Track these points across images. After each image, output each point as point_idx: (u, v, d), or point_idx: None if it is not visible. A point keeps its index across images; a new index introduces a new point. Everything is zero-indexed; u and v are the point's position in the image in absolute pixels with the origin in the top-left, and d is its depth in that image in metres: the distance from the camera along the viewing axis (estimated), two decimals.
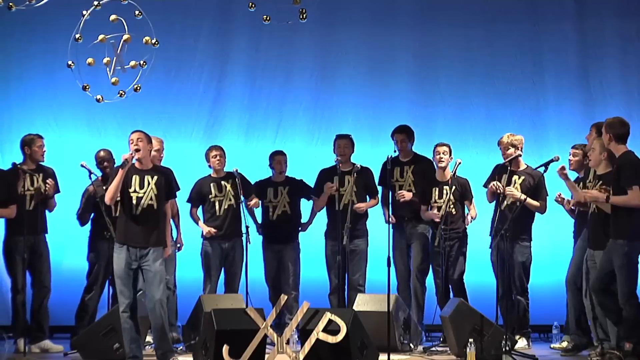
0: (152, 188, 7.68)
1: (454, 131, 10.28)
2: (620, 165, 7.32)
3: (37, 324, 8.65)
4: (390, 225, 8.86)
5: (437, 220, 8.76)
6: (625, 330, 7.31)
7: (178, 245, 9.05)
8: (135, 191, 7.64)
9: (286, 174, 9.39)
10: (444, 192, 8.90)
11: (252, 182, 9.37)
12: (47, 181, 8.69)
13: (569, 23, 10.51)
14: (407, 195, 9.00)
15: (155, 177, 7.71)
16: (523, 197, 8.40)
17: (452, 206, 8.80)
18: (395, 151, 9.02)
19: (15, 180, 8.48)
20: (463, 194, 8.93)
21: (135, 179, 7.68)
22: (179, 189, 8.32)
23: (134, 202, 7.60)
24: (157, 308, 7.49)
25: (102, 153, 8.94)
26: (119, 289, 7.54)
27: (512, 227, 8.06)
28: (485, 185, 8.83)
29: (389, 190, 9.07)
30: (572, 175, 8.32)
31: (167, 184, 7.81)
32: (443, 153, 8.93)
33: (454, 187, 8.82)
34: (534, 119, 10.47)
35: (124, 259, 7.53)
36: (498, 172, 8.74)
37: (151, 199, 7.66)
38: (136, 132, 7.79)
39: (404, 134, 9.19)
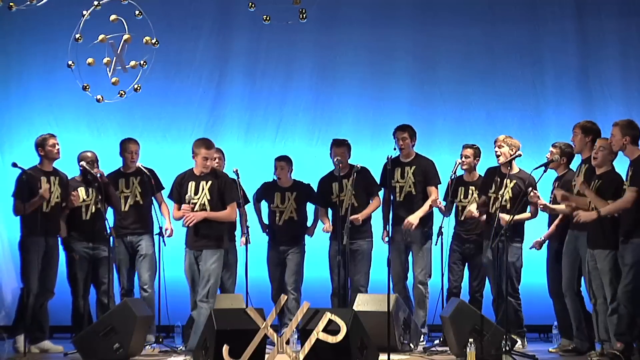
0: (205, 194, 7.90)
1: (454, 132, 10.28)
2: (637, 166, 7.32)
3: (38, 324, 8.63)
4: (390, 225, 8.91)
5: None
6: (622, 329, 7.31)
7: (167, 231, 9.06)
8: (191, 197, 7.98)
9: (292, 178, 9.38)
10: (469, 192, 8.94)
11: (258, 183, 9.45)
12: (72, 194, 8.73)
13: (569, 23, 10.51)
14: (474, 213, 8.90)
15: (210, 182, 7.95)
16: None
17: (474, 216, 8.85)
18: (395, 149, 9.03)
19: (35, 181, 8.48)
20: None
21: (191, 185, 7.95)
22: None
23: (191, 208, 8.01)
24: (198, 306, 7.95)
25: (89, 154, 8.92)
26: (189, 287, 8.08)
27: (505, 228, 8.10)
28: (481, 191, 8.85)
29: (390, 192, 9.08)
30: (550, 175, 8.37)
31: (223, 188, 8.10)
32: (465, 157, 8.96)
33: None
34: (534, 120, 10.47)
35: (188, 261, 8.15)
36: (490, 175, 8.83)
37: (204, 204, 7.96)
38: (209, 149, 8.19)
39: (405, 132, 9.16)
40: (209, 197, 7.97)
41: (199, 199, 7.99)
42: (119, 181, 9.07)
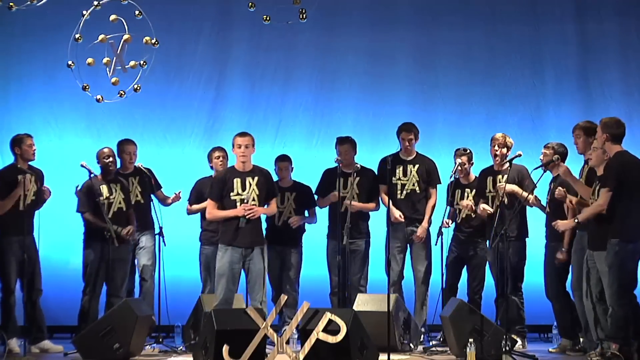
0: (253, 189, 7.97)
1: (454, 133, 10.28)
2: (609, 165, 7.35)
3: (36, 325, 8.61)
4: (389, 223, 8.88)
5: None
6: (613, 331, 7.32)
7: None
8: (238, 194, 7.96)
9: (293, 179, 9.36)
10: (466, 194, 8.96)
11: None
12: (44, 188, 8.71)
13: (569, 24, 10.51)
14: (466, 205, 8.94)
15: (256, 178, 7.98)
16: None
17: (472, 208, 8.85)
18: (401, 149, 9.08)
19: (13, 178, 8.46)
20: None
21: (237, 182, 7.96)
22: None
23: (238, 205, 7.96)
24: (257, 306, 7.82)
25: (106, 150, 8.92)
26: (220, 286, 7.99)
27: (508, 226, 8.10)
28: (478, 195, 8.90)
29: (388, 188, 9.06)
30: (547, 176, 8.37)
31: (268, 184, 8.10)
32: (460, 165, 8.93)
33: (474, 190, 8.88)
34: (534, 120, 10.47)
35: (228, 258, 7.94)
36: (484, 176, 8.88)
37: (253, 199, 7.99)
38: (244, 137, 8.09)
39: (412, 132, 9.14)
40: (257, 193, 8.00)
41: (247, 194, 7.99)
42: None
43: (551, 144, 8.46)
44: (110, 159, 8.85)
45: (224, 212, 8.06)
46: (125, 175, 9.14)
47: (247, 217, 7.95)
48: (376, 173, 9.19)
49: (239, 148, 8.06)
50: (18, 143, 8.64)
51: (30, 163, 8.70)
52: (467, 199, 8.95)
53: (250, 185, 8.01)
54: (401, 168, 9.13)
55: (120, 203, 8.83)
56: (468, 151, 9.05)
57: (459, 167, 8.96)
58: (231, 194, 8.00)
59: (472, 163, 9.06)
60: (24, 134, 8.71)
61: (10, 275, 8.44)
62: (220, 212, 8.07)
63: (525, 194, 8.41)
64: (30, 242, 8.60)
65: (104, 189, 8.81)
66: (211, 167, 9.25)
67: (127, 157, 9.15)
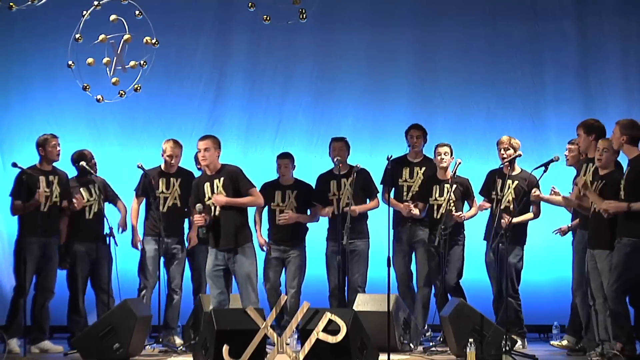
0: (220, 192, 7.90)
1: (454, 131, 10.26)
2: (636, 167, 7.33)
3: (38, 325, 8.62)
4: (391, 225, 8.86)
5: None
6: (614, 331, 7.33)
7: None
8: (209, 198, 7.93)
9: (294, 177, 9.27)
10: (445, 190, 8.90)
11: (257, 183, 9.35)
12: (76, 198, 8.69)
13: (569, 23, 10.51)
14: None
15: (222, 179, 7.91)
16: (515, 220, 8.38)
17: (452, 204, 8.82)
18: (409, 146, 9.13)
19: (34, 181, 8.45)
20: (464, 193, 8.95)
21: (207, 187, 7.95)
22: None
23: (212, 209, 7.91)
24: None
25: (86, 152, 8.91)
26: (210, 290, 7.98)
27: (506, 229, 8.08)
28: (481, 193, 8.91)
29: (390, 190, 9.03)
30: (568, 173, 8.35)
31: (234, 181, 7.94)
32: (444, 154, 8.93)
33: (454, 186, 8.84)
34: (534, 119, 10.46)
35: (212, 261, 7.92)
36: (492, 177, 8.84)
37: (213, 203, 7.91)
38: (202, 140, 7.97)
39: (420, 130, 9.18)
40: (224, 194, 7.89)
41: (198, 206, 7.89)
42: (160, 181, 8.92)
43: (575, 140, 8.38)
44: (94, 160, 8.87)
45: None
46: (168, 175, 8.95)
47: (200, 226, 7.91)
48: (369, 172, 9.15)
49: (199, 152, 7.98)
50: (43, 144, 8.64)
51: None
52: (446, 194, 8.87)
53: (218, 187, 7.95)
54: (407, 170, 9.15)
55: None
56: (449, 144, 9.02)
57: (443, 157, 8.87)
58: (204, 199, 7.94)
59: (453, 158, 8.99)
60: (49, 135, 8.71)
61: (26, 277, 8.42)
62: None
63: (527, 216, 8.44)
64: (51, 243, 8.61)
65: (84, 192, 8.78)
66: (198, 169, 9.17)
67: (168, 160, 8.94)
